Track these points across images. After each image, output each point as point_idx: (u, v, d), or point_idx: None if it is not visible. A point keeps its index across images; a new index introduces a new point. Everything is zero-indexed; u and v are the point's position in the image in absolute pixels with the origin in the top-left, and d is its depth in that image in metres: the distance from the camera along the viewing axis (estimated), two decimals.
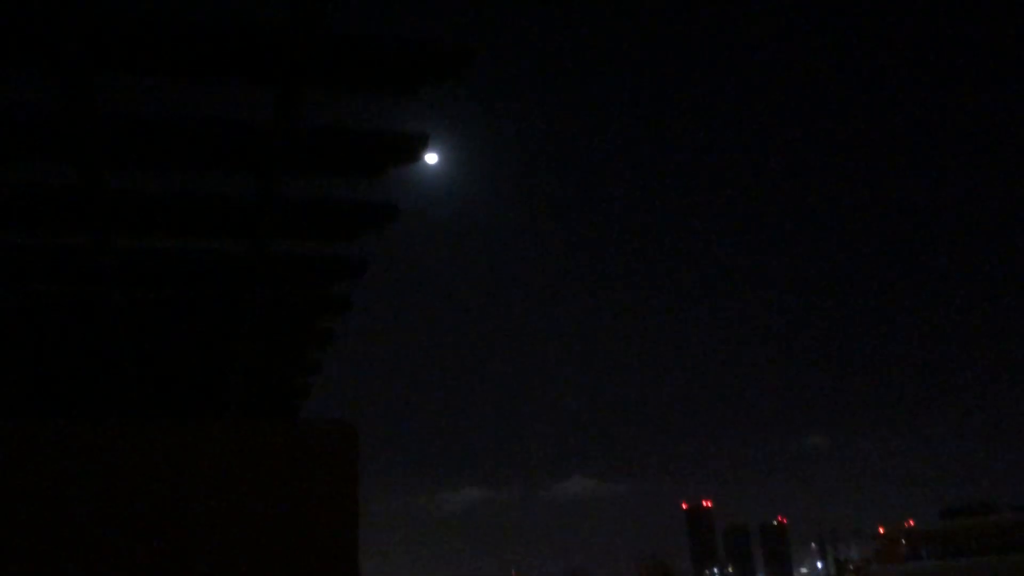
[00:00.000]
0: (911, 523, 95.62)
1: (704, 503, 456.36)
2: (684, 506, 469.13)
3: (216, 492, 3.67)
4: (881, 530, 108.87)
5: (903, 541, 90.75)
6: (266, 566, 3.64)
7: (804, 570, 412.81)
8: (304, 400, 6.66)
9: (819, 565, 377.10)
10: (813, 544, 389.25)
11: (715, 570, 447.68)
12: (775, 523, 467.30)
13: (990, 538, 73.72)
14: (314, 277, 4.49)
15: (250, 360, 5.32)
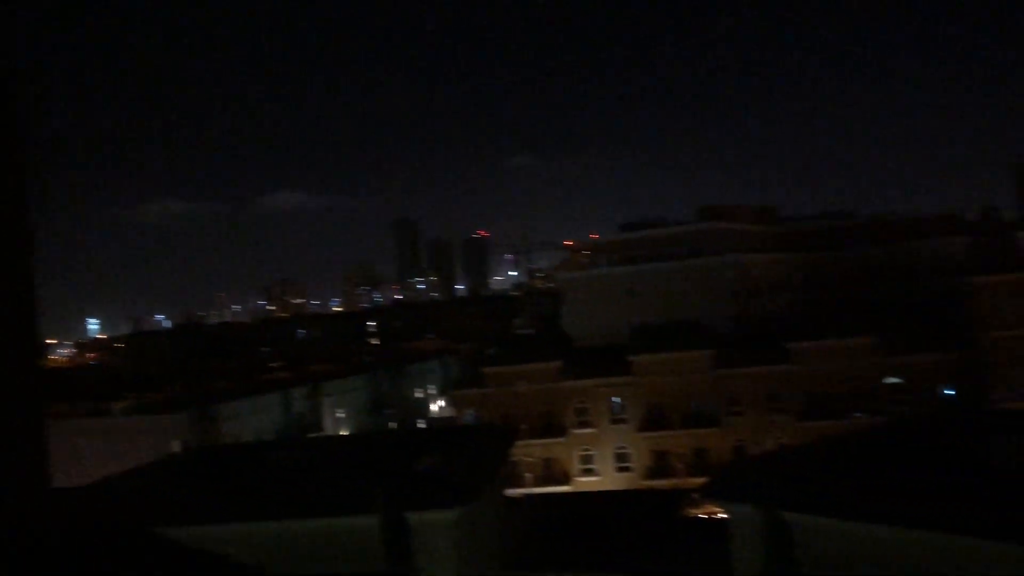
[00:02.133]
0: (595, 236, 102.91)
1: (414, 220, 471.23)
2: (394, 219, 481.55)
3: None
4: (569, 243, 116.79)
5: (586, 251, 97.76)
6: None
7: (499, 278, 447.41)
8: None
9: (513, 274, 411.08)
10: (509, 256, 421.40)
11: (419, 279, 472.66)
12: (477, 236, 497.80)
13: (659, 247, 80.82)
14: None
15: None
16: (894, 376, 63.78)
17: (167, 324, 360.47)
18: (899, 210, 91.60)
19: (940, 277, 74.31)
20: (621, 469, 67.55)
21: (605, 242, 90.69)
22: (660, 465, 66.41)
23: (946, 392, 62.77)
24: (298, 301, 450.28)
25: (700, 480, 35.23)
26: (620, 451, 67.97)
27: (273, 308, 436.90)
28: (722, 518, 15.35)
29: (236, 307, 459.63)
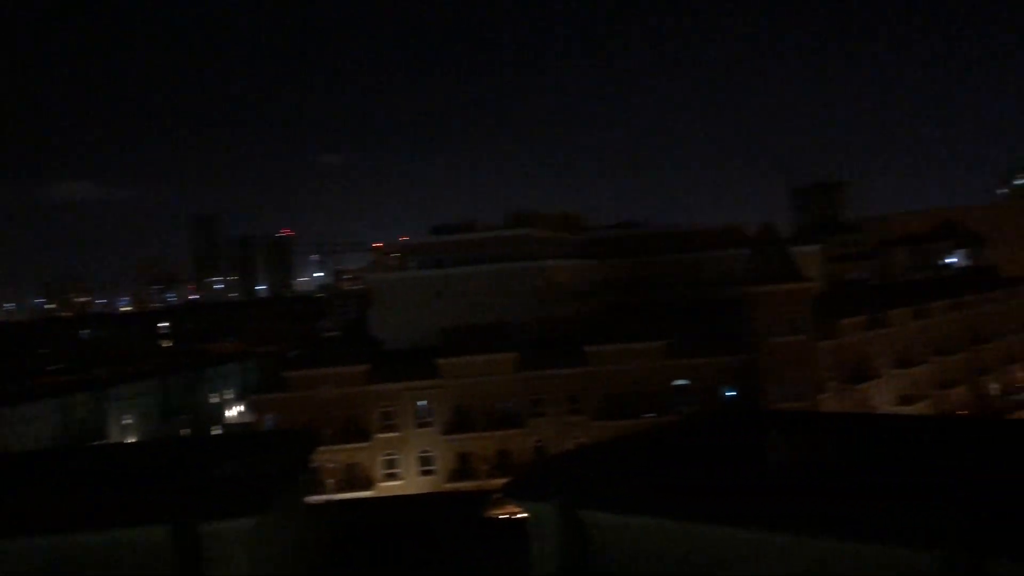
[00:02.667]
0: (405, 238, 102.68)
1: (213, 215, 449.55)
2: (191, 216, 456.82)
3: None
4: (378, 244, 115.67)
5: (396, 254, 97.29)
6: None
7: (303, 279, 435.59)
8: None
9: (319, 275, 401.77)
10: (314, 256, 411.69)
11: (217, 278, 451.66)
12: (281, 235, 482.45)
13: (468, 251, 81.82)
14: None
15: None
16: (682, 378, 67.91)
17: None
18: (689, 223, 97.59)
19: (724, 286, 79.93)
20: (425, 472, 67.63)
21: (415, 244, 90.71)
22: (464, 467, 67.10)
23: (728, 393, 67.56)
24: (82, 300, 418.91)
25: (503, 481, 35.94)
26: (425, 454, 68.05)
27: (54, 307, 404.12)
28: (523, 517, 15.67)
29: (10, 305, 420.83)
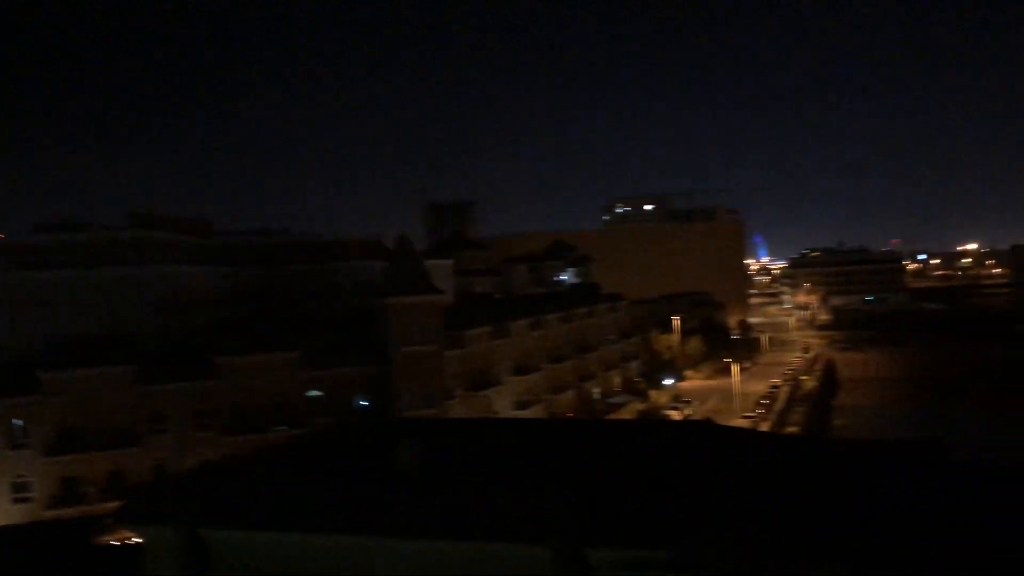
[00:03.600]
0: (1, 235, 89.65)
1: None
2: None
3: None
4: None
5: None
6: None
7: None
8: None
9: None
10: None
11: None
12: None
13: (81, 253, 73.65)
14: None
15: None
16: (316, 389, 67.40)
17: None
18: (330, 233, 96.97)
19: (360, 297, 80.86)
20: (20, 500, 59.60)
21: (14, 244, 79.51)
22: (69, 492, 60.23)
23: (361, 403, 68.33)
24: None
25: (115, 505, 32.87)
26: (19, 480, 59.97)
27: None
28: (137, 543, 14.45)
29: None
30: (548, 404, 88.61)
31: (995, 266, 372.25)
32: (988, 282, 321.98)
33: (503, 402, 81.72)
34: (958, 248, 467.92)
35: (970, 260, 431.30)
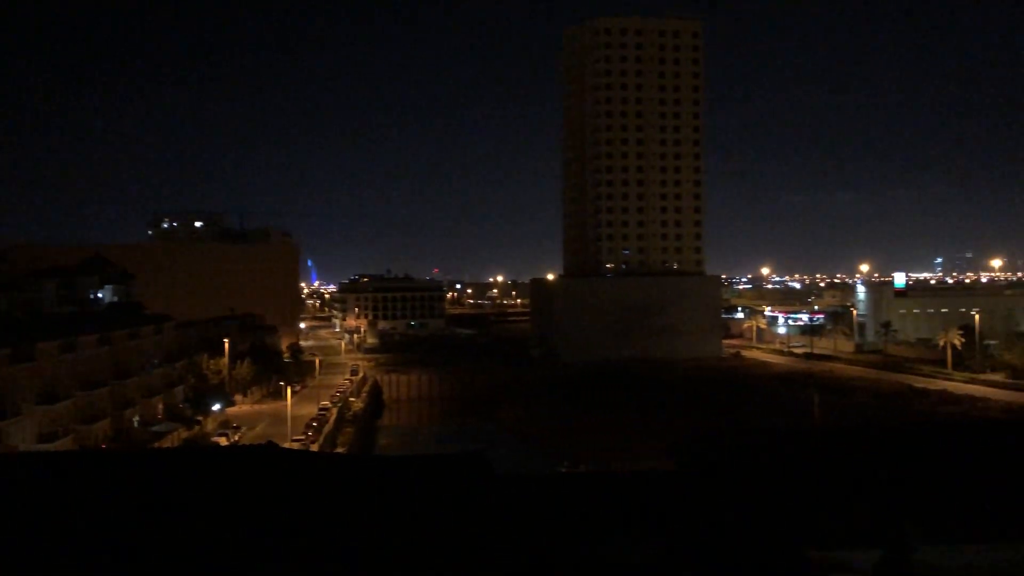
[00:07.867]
0: None
1: None
2: None
3: None
4: None
5: None
6: None
7: None
8: None
9: None
10: None
11: None
12: None
13: None
14: None
15: None
16: None
17: None
18: None
19: None
20: None
21: None
22: None
23: None
24: None
25: None
26: None
27: None
28: None
29: None
30: (80, 435, 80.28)
31: (518, 296, 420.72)
32: (512, 311, 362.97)
33: (24, 434, 72.23)
34: (489, 279, 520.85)
35: (496, 291, 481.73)
